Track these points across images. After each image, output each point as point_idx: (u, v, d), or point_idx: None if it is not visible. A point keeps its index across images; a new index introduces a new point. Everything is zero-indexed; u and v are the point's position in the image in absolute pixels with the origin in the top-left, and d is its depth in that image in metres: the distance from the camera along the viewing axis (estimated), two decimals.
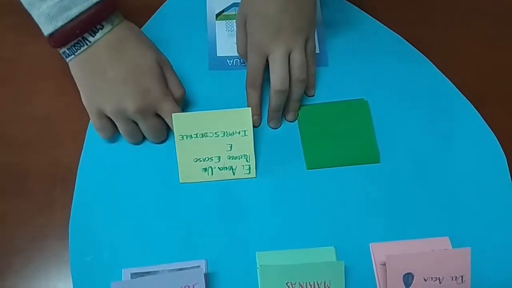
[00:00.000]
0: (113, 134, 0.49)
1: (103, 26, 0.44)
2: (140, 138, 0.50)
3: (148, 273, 0.44)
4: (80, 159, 0.49)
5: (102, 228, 0.47)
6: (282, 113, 0.52)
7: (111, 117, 0.47)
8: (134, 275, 0.44)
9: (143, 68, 0.46)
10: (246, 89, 0.51)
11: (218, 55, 0.56)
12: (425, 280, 0.44)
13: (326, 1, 0.59)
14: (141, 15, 0.57)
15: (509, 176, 0.51)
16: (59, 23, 0.42)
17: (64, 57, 0.46)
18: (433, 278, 0.44)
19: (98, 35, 0.44)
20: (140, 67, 0.46)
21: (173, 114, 0.47)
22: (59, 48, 0.45)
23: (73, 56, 0.45)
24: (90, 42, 0.44)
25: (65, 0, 0.41)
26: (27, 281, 0.46)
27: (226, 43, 0.56)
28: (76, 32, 0.43)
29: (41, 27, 0.43)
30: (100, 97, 0.46)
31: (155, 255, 0.46)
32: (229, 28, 0.57)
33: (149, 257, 0.45)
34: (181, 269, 0.44)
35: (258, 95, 0.51)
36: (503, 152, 0.52)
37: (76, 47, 0.44)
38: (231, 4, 0.58)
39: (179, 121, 0.47)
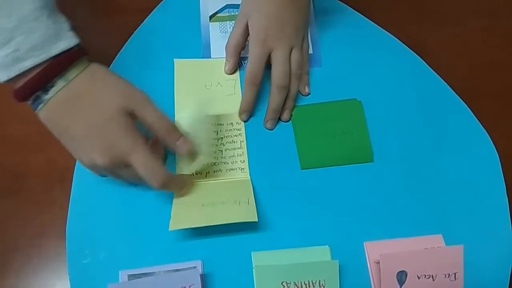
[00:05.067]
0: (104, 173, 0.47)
1: (54, 84, 0.41)
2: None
3: (145, 274, 0.45)
4: (76, 161, 0.50)
5: (99, 230, 0.47)
6: None
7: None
8: (131, 277, 0.45)
9: (105, 121, 0.42)
10: (244, 84, 0.51)
11: (212, 56, 0.56)
12: (419, 278, 0.44)
13: (320, 2, 0.60)
14: (135, 18, 0.57)
15: (502, 174, 0.51)
16: (13, 73, 0.39)
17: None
18: (426, 276, 0.44)
19: (50, 93, 0.41)
20: (102, 121, 0.42)
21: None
22: (22, 101, 0.42)
23: (36, 110, 0.42)
24: (44, 100, 0.41)
25: (20, 51, 0.38)
26: (26, 280, 0.47)
27: (220, 44, 0.56)
28: (27, 91, 0.40)
29: None
30: (72, 150, 0.44)
31: (151, 256, 0.46)
32: (223, 30, 0.57)
33: (145, 259, 0.46)
34: (177, 270, 0.45)
35: (256, 92, 0.51)
36: (495, 150, 0.52)
37: (34, 105, 0.41)
38: (225, 6, 0.59)
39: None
